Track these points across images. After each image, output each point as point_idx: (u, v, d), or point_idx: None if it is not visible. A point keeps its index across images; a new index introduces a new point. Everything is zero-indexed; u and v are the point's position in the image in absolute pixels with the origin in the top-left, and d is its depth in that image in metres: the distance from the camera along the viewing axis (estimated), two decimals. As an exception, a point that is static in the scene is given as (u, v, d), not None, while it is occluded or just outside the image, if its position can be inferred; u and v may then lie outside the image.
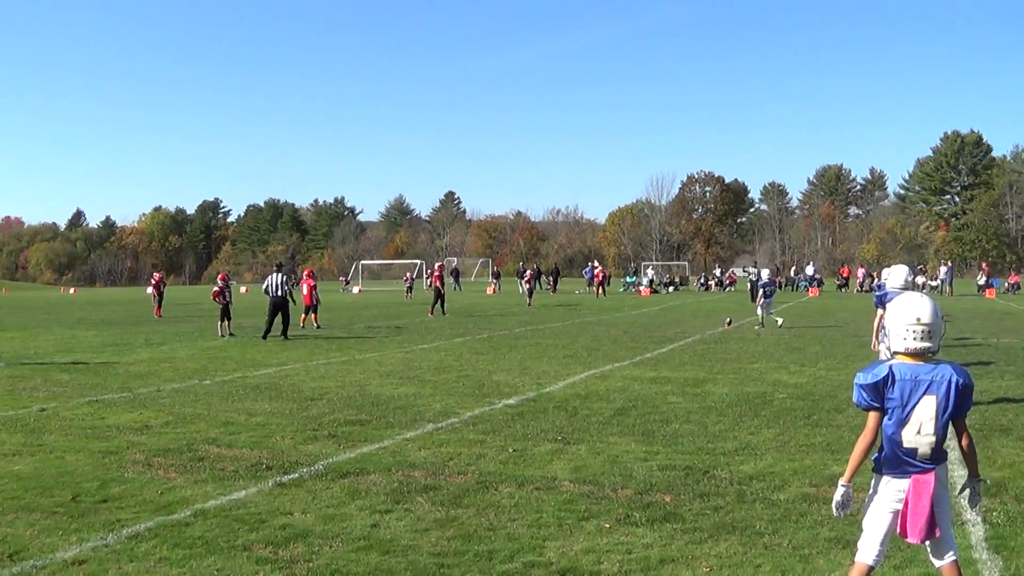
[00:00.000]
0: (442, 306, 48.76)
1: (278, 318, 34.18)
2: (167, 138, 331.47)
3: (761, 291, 38.85)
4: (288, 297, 34.78)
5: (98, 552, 8.97)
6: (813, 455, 13.15)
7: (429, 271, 57.75)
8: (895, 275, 19.13)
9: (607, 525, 9.74)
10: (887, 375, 6.55)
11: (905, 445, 6.51)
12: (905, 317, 6.59)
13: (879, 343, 18.75)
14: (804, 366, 23.79)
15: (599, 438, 14.46)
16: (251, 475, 12.16)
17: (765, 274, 41.59)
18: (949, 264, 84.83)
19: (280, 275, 34.77)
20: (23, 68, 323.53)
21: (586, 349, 28.96)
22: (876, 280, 40.76)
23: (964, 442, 6.71)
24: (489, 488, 11.36)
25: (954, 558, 6.74)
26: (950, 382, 6.50)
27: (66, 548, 9.10)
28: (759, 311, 37.75)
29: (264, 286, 35.62)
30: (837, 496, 6.84)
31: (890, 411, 6.53)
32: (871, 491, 6.79)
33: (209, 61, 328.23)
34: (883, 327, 17.76)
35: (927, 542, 6.68)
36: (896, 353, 6.69)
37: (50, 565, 8.61)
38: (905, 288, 18.59)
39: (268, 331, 33.96)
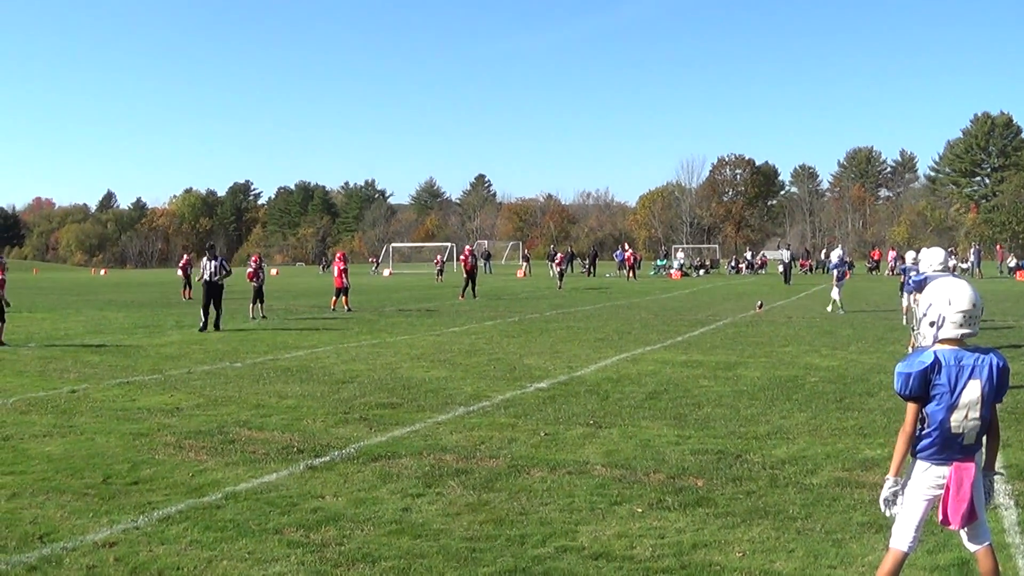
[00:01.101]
0: (473, 289, 48.77)
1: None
2: (198, 120, 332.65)
3: (834, 273, 38.56)
4: (222, 284, 32.22)
5: (129, 534, 8.98)
6: (845, 439, 13.08)
7: (460, 255, 57.70)
8: (932, 258, 19.01)
9: (639, 510, 9.70)
10: (934, 361, 6.47)
11: (953, 430, 6.44)
12: (958, 303, 6.51)
13: (917, 328, 18.60)
14: (836, 349, 23.68)
15: (631, 422, 14.41)
16: (282, 458, 12.16)
17: (835, 255, 41.13)
18: (977, 246, 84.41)
19: (214, 261, 32.21)
20: (56, 49, 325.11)
21: (617, 332, 28.91)
22: (902, 262, 40.47)
23: (991, 430, 6.64)
24: (521, 472, 11.34)
25: (989, 542, 6.68)
26: (992, 365, 6.44)
27: (97, 530, 9.11)
28: (835, 295, 37.39)
29: (200, 274, 33.13)
30: (885, 492, 6.75)
31: (938, 397, 6.44)
32: (906, 477, 6.72)
33: (242, 42, 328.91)
34: (916, 312, 17.60)
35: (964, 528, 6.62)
36: (943, 340, 6.60)
37: (81, 547, 8.62)
38: (943, 271, 18.50)
39: (205, 323, 31.21)
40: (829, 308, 37.16)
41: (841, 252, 42.10)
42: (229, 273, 32.06)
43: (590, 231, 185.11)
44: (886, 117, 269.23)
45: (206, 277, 32.02)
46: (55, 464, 11.89)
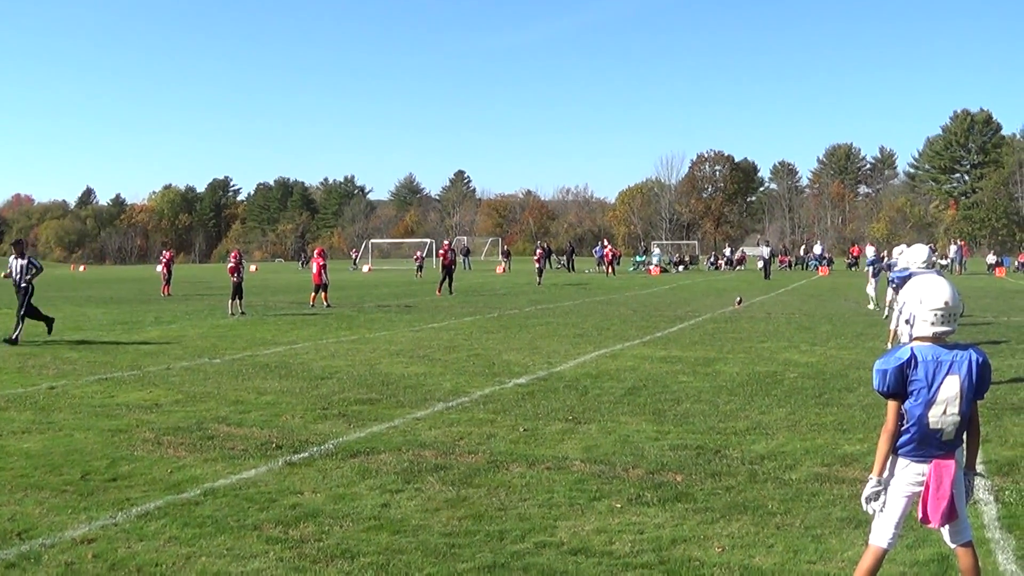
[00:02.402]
0: (450, 285, 48.69)
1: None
2: (177, 116, 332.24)
3: (869, 269, 38.58)
4: (30, 286, 27.35)
5: (107, 531, 8.95)
6: (824, 434, 13.12)
7: (439, 250, 57.84)
8: (916, 254, 19.08)
9: (618, 505, 9.71)
10: (910, 357, 6.48)
11: (932, 426, 6.45)
12: (930, 302, 6.52)
13: (895, 324, 18.65)
14: (815, 345, 23.74)
15: (610, 418, 14.42)
16: (261, 454, 12.15)
17: (871, 252, 41.14)
18: (959, 243, 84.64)
19: (20, 259, 27.37)
20: (34, 45, 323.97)
21: (596, 328, 28.92)
22: (886, 259, 40.59)
23: (972, 428, 6.66)
24: (500, 468, 11.34)
25: (969, 539, 6.70)
26: (971, 361, 6.45)
27: (75, 526, 9.08)
28: (870, 291, 37.33)
29: (5, 272, 28.14)
30: (868, 491, 6.76)
31: (915, 392, 6.45)
32: (887, 474, 6.72)
33: (221, 38, 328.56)
34: (898, 308, 17.65)
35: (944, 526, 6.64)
36: (918, 337, 6.62)
37: (59, 543, 8.59)
38: (927, 267, 18.57)
39: (15, 338, 25.72)
40: (870, 306, 36.93)
41: (875, 248, 42.24)
42: (39, 271, 27.52)
43: (569, 227, 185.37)
44: (865, 114, 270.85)
45: (14, 278, 27.27)
46: (33, 461, 11.85)
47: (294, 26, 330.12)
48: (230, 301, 35.68)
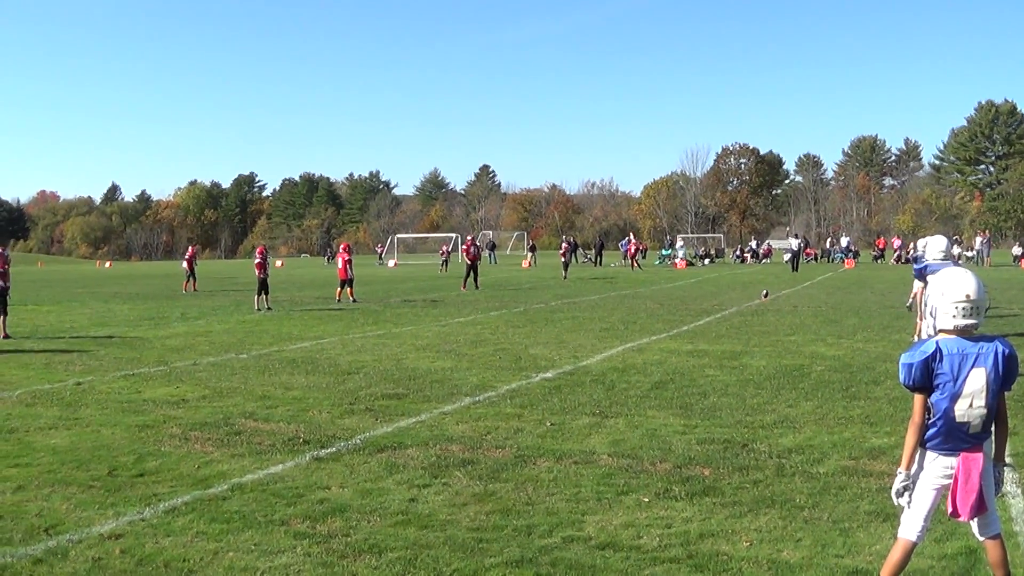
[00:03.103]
0: (475, 279, 48.54)
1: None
2: (203, 112, 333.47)
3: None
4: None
5: (135, 526, 8.98)
6: (852, 428, 13.07)
7: (463, 245, 57.67)
8: (933, 246, 18.97)
9: (646, 499, 9.69)
10: (935, 351, 6.46)
11: (958, 419, 6.43)
12: (953, 294, 6.49)
13: (922, 318, 18.53)
14: (841, 338, 23.65)
15: (637, 412, 14.40)
16: (288, 449, 12.16)
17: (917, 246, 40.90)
18: (986, 235, 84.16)
19: None
20: (60, 42, 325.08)
21: (623, 322, 28.87)
22: (911, 251, 40.18)
23: (1000, 420, 6.62)
24: (527, 462, 11.33)
25: (998, 531, 6.67)
26: (996, 353, 6.42)
27: (103, 522, 9.11)
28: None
29: None
30: (897, 484, 6.74)
31: (941, 386, 6.43)
32: (916, 467, 6.70)
33: (246, 34, 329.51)
34: (925, 301, 17.54)
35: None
36: (942, 330, 6.59)
37: (86, 539, 8.61)
38: (944, 259, 18.45)
39: None
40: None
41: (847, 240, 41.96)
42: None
43: (595, 221, 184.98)
44: (890, 106, 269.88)
45: None
46: (60, 456, 11.89)
47: (319, 22, 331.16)
48: (256, 296, 35.75)
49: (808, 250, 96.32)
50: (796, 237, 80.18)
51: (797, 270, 67.98)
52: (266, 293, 35.81)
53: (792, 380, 17.17)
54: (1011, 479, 10.08)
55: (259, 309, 34.97)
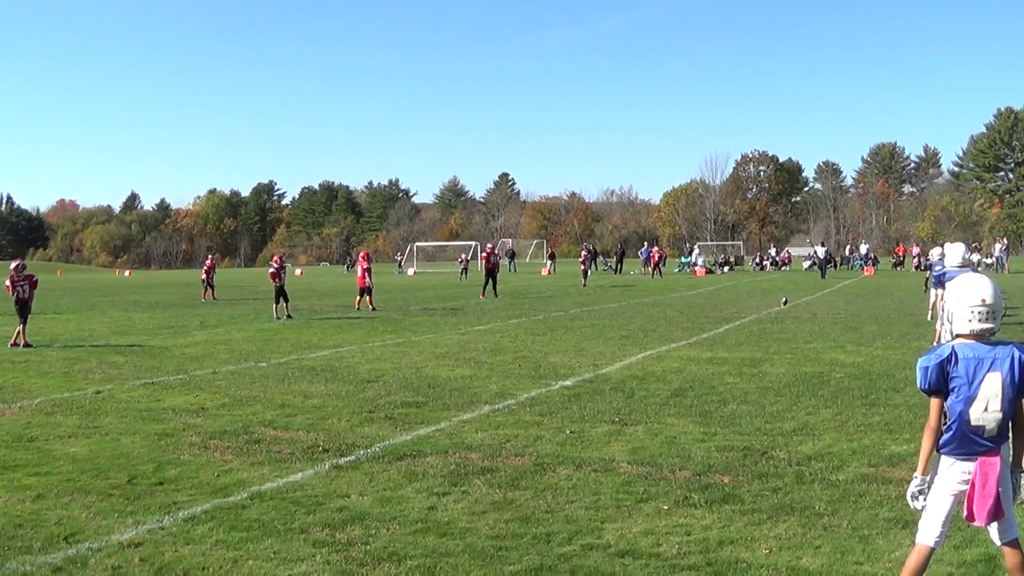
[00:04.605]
0: (494, 288, 48.51)
1: None
2: (222, 120, 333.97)
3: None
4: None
5: (154, 534, 9.00)
6: (871, 435, 13.05)
7: (482, 253, 57.68)
8: (952, 253, 18.99)
9: (665, 507, 9.69)
10: (951, 354, 6.47)
11: (973, 423, 6.44)
12: (969, 299, 6.52)
13: (940, 324, 18.53)
14: (861, 345, 23.60)
15: (656, 419, 14.39)
16: (308, 457, 12.18)
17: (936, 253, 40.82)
18: (1005, 241, 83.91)
19: None
20: (79, 51, 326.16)
21: (642, 330, 28.85)
22: (927, 259, 40.03)
23: (1017, 425, 6.61)
24: (546, 470, 11.33)
25: (1016, 537, 6.67)
26: (1013, 358, 6.43)
27: (122, 530, 9.14)
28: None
29: None
30: (913, 487, 6.75)
31: (956, 389, 6.45)
32: (933, 472, 6.70)
33: (265, 43, 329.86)
34: (943, 308, 17.56)
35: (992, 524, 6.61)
36: (959, 335, 6.60)
37: (106, 547, 8.64)
38: (963, 266, 18.47)
39: None
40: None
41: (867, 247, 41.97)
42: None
43: (614, 228, 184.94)
44: (909, 112, 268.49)
45: None
46: (80, 465, 11.93)
47: (338, 30, 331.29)
48: (274, 305, 35.80)
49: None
50: (822, 245, 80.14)
51: (825, 277, 68.06)
52: (285, 301, 35.85)
53: (811, 387, 17.14)
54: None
55: (278, 317, 35.04)
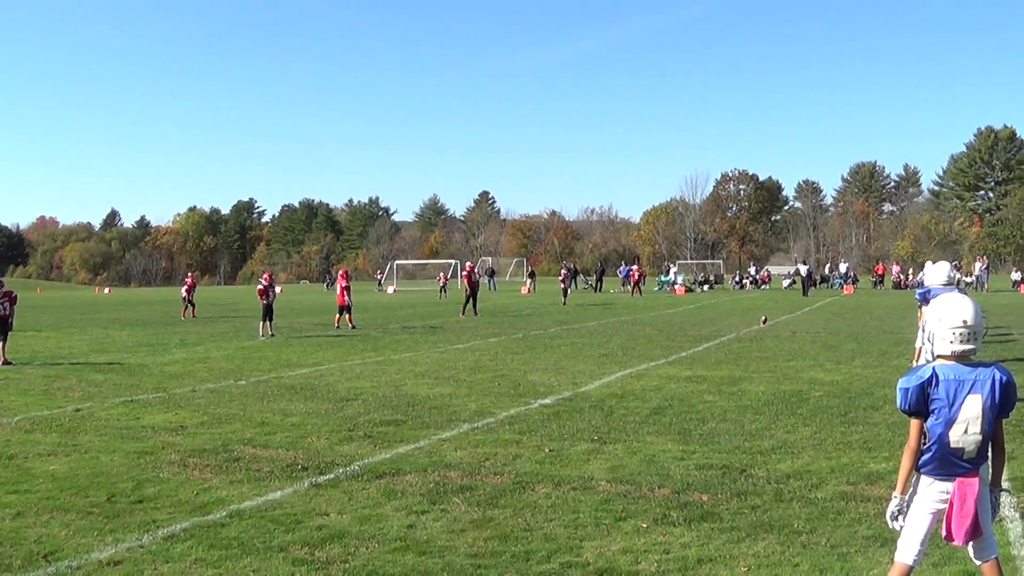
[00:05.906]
0: (474, 306, 48.48)
1: None
2: (202, 138, 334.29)
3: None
4: None
5: (133, 553, 8.99)
6: (850, 453, 13.08)
7: (462, 271, 57.62)
8: (936, 272, 19.03)
9: (644, 525, 9.70)
10: (931, 376, 6.49)
11: (952, 445, 6.46)
12: (950, 320, 6.53)
13: (920, 341, 18.58)
14: (840, 364, 23.66)
15: (635, 437, 14.41)
16: (287, 476, 12.17)
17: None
18: (985, 260, 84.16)
19: None
20: (59, 67, 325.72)
21: (621, 348, 28.88)
22: (914, 277, 40.25)
23: (996, 445, 6.64)
24: (525, 488, 11.34)
25: (995, 556, 6.69)
26: (994, 380, 6.44)
27: (101, 549, 9.12)
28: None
29: None
30: (892, 507, 6.78)
31: (937, 411, 6.47)
32: (911, 491, 6.73)
33: (245, 60, 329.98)
34: (922, 325, 17.60)
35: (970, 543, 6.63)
36: (940, 356, 6.62)
37: (85, 565, 8.63)
38: (948, 285, 18.51)
39: None
40: None
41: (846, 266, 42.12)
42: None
43: (594, 247, 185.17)
44: (889, 131, 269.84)
45: None
46: (59, 483, 11.90)
47: (318, 48, 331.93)
48: (260, 323, 35.75)
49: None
50: (804, 264, 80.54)
51: (807, 295, 68.43)
52: (270, 319, 35.80)
53: (790, 406, 17.18)
54: (1009, 503, 10.11)
55: (263, 335, 34.95)
